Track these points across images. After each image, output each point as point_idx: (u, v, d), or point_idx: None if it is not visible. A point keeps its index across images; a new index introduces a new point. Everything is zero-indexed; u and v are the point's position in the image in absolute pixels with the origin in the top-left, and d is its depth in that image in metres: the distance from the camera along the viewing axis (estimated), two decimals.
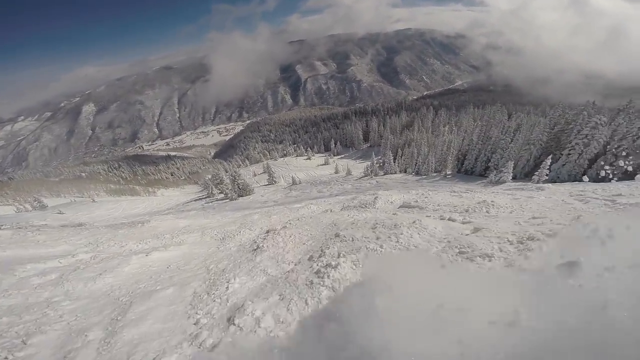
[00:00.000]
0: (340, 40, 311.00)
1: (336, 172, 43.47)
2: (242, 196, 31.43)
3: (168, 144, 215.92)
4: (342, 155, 63.67)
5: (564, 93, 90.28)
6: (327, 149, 70.94)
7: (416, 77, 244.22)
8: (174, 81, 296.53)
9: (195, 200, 36.37)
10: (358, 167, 46.17)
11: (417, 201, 11.43)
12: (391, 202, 12.60)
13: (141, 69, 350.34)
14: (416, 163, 36.54)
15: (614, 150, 18.08)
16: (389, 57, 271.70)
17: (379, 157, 47.89)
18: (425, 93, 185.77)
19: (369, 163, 38.83)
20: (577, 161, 18.58)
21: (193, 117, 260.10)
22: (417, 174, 33.16)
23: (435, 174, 31.72)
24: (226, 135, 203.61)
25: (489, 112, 29.83)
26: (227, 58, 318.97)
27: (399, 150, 45.63)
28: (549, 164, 17.75)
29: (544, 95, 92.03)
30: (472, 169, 28.20)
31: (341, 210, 12.21)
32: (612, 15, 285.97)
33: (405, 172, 35.94)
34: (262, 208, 18.01)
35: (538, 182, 17.59)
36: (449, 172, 30.35)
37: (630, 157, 17.53)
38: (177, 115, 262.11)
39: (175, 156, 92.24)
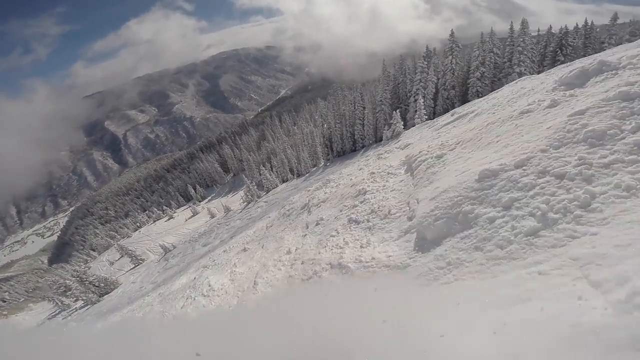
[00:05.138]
0: (152, 80, 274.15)
1: (212, 217, 36.61)
2: (107, 293, 27.48)
3: None
4: (209, 198, 55.77)
5: (362, 72, 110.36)
6: (187, 199, 60.98)
7: (245, 97, 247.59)
8: None
9: (49, 319, 29.52)
10: (233, 200, 40.52)
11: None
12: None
13: None
14: (291, 167, 34.69)
15: (444, 85, 20.60)
16: (213, 84, 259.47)
17: (250, 180, 43.88)
18: (260, 110, 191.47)
19: (243, 191, 34.38)
20: (425, 102, 20.31)
21: None
22: (299, 176, 31.19)
23: (314, 169, 30.54)
24: (51, 235, 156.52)
25: (334, 96, 30.97)
26: None
27: (267, 164, 42.95)
28: (422, 105, 18.49)
29: (350, 78, 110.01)
30: (343, 149, 28.29)
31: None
32: None
33: (286, 180, 33.43)
34: (135, 302, 14.17)
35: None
36: (328, 161, 29.64)
37: (457, 89, 20.33)
38: None
39: None
